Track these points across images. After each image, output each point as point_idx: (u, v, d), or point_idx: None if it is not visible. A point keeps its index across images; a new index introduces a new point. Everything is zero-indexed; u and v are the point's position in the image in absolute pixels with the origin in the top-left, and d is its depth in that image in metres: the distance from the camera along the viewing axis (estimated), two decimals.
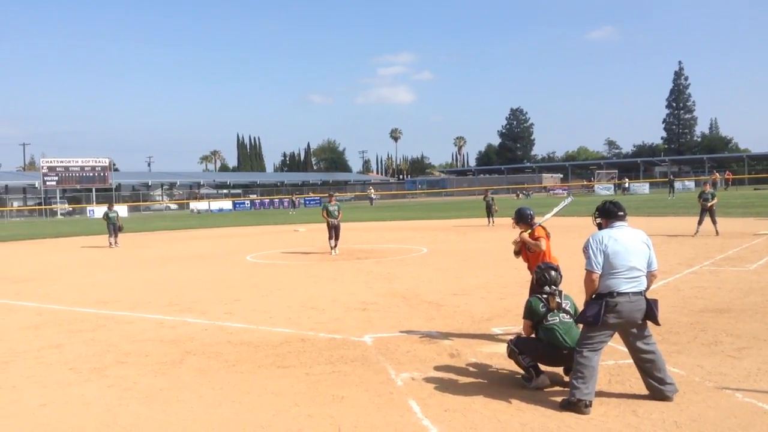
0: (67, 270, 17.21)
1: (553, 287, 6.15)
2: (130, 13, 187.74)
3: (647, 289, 5.44)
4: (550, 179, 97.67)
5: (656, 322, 5.41)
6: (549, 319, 5.98)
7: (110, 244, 24.24)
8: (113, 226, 24.48)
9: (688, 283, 11.14)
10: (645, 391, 5.49)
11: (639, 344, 5.41)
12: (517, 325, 8.22)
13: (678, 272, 12.34)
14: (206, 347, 7.81)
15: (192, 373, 6.73)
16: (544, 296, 6.10)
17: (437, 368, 6.53)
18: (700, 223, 19.45)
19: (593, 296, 5.39)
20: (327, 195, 22.42)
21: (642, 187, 72.19)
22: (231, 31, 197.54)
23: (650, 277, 5.50)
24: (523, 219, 7.80)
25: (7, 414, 5.66)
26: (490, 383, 6.01)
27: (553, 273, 6.22)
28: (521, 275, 12.66)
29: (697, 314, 8.70)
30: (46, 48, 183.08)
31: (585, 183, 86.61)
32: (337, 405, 5.56)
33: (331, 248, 18.33)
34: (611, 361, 6.19)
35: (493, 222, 27.44)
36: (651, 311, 5.34)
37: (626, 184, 71.60)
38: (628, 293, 5.26)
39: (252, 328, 8.81)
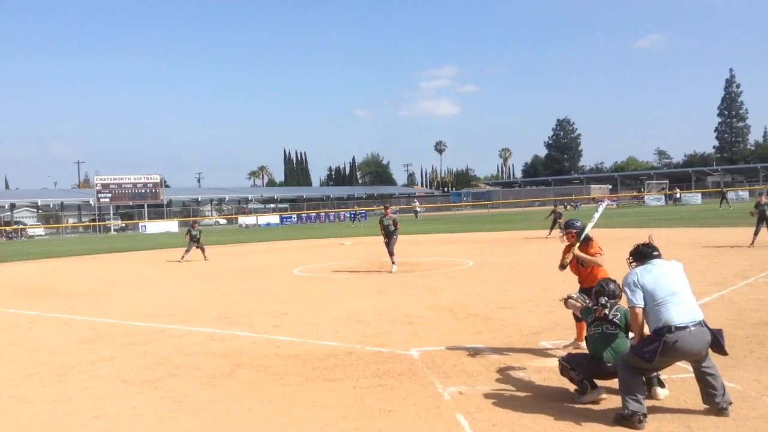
0: (120, 285, 17.62)
1: (607, 299, 5.95)
2: (180, 32, 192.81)
3: None
4: (598, 190, 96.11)
5: (723, 353, 5.23)
6: (592, 329, 5.91)
7: (184, 256, 24.27)
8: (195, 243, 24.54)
9: (744, 296, 10.81)
10: (700, 407, 5.33)
11: (698, 367, 5.27)
12: (566, 339, 8.10)
13: (733, 284, 11.98)
14: (255, 360, 7.89)
15: (241, 385, 6.80)
16: (595, 306, 6.01)
17: (485, 382, 6.47)
18: (756, 233, 18.87)
19: (653, 331, 5.14)
20: (382, 207, 20.86)
21: (694, 198, 70.46)
22: (277, 48, 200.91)
23: None
24: (572, 229, 7.82)
25: (63, 426, 5.81)
26: (540, 398, 5.92)
27: (611, 285, 6.06)
28: (570, 288, 12.43)
29: (753, 327, 8.43)
30: (99, 67, 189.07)
31: (635, 194, 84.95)
32: (384, 419, 5.55)
33: (393, 263, 17.20)
34: (664, 375, 6.03)
35: (550, 234, 26.86)
36: (717, 342, 5.12)
37: (677, 195, 69.95)
38: (687, 326, 5.03)
39: (299, 341, 8.87)
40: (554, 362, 7.04)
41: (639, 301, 5.21)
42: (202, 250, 24.50)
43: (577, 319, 7.30)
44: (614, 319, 5.85)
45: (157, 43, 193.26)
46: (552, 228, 27.16)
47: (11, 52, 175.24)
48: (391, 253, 17.34)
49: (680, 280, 5.24)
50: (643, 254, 5.50)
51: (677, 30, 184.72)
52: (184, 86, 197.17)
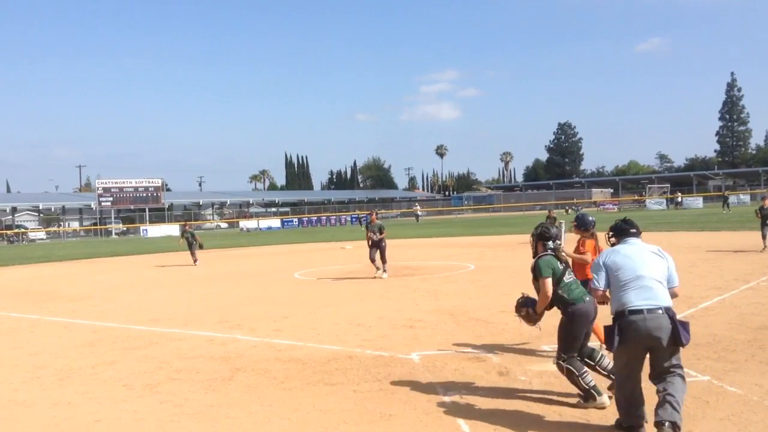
0: (121, 288, 17.63)
1: (558, 242, 6.06)
2: (182, 37, 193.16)
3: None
4: (600, 194, 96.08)
5: (680, 343, 4.72)
6: (566, 277, 5.89)
7: (194, 261, 23.91)
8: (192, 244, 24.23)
9: (745, 299, 10.79)
10: (702, 411, 5.32)
11: (659, 368, 4.84)
12: None
13: (734, 288, 11.96)
14: (255, 364, 7.88)
15: (241, 389, 6.80)
16: (551, 252, 5.99)
17: (486, 387, 6.46)
18: (765, 237, 18.77)
19: (613, 317, 4.94)
20: (369, 212, 19.49)
21: (695, 202, 70.37)
22: (279, 52, 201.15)
23: (671, 294, 4.98)
24: (584, 225, 7.91)
25: (64, 430, 5.80)
26: (541, 402, 5.90)
27: (553, 229, 6.12)
28: None
29: (754, 331, 8.41)
30: (101, 72, 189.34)
31: (636, 198, 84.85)
32: (385, 423, 5.54)
33: (377, 269, 16.89)
34: None
35: None
36: (675, 330, 4.70)
37: (679, 198, 69.88)
38: (642, 310, 4.73)
39: (300, 345, 8.86)
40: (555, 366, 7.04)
41: (599, 283, 5.07)
42: (195, 253, 24.13)
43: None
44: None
45: (159, 48, 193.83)
46: None
47: (13, 56, 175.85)
48: (382, 260, 16.85)
49: (650, 264, 4.94)
50: (620, 230, 5.31)
51: (679, 34, 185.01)
52: (185, 90, 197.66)
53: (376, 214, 18.84)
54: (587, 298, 5.74)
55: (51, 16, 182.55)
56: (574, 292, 5.81)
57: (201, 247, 24.48)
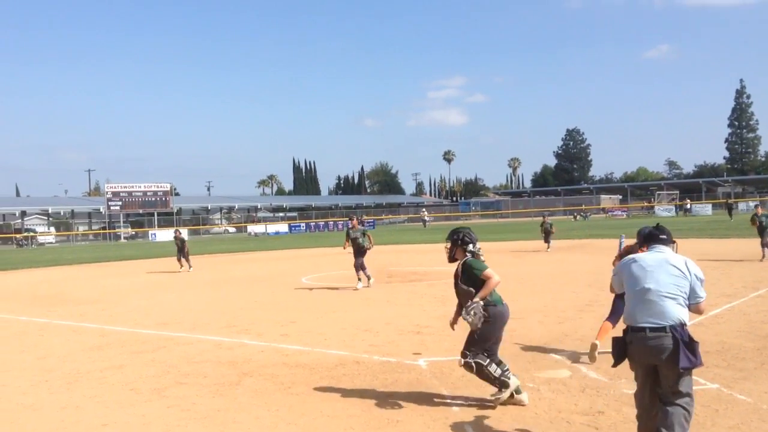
0: (130, 292, 17.67)
1: (478, 247, 6.26)
2: (190, 42, 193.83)
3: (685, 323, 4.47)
4: (608, 200, 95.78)
5: (675, 362, 4.34)
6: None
7: (188, 267, 23.71)
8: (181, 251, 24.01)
9: (755, 307, 10.72)
10: (711, 419, 5.28)
11: (664, 389, 4.47)
12: (575, 349, 8.06)
13: (743, 296, 11.90)
14: (262, 369, 7.88)
15: (249, 394, 6.80)
16: (471, 255, 6.19)
17: (493, 393, 6.42)
18: (765, 245, 18.66)
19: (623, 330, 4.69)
20: (349, 218, 17.51)
21: (704, 209, 70.10)
22: (286, 58, 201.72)
23: (694, 310, 4.61)
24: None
25: None
26: (549, 409, 5.88)
27: (474, 235, 6.33)
28: (579, 299, 12.44)
29: (764, 339, 8.35)
30: (109, 77, 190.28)
31: (645, 204, 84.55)
32: (392, 429, 5.53)
33: (359, 279, 15.77)
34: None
35: (549, 247, 26.23)
36: (675, 351, 4.33)
37: (688, 206, 69.61)
38: (644, 328, 4.43)
39: (307, 350, 8.86)
40: (564, 373, 7.02)
41: (615, 287, 4.99)
42: (181, 259, 23.77)
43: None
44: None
45: (167, 53, 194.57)
46: (547, 240, 26.40)
47: (23, 61, 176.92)
48: (362, 267, 15.75)
49: (664, 278, 4.53)
50: (649, 236, 5.00)
51: (687, 40, 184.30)
52: (194, 95, 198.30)
53: (358, 219, 17.78)
54: (504, 302, 6.08)
55: (61, 21, 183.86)
56: (494, 293, 6.05)
57: (185, 254, 23.79)
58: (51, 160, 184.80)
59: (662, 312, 4.44)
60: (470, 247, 6.22)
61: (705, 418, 5.36)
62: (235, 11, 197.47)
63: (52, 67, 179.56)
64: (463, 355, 6.03)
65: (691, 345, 4.38)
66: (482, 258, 6.29)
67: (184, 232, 27.25)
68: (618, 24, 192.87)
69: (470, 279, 6.08)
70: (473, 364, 5.92)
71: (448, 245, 6.41)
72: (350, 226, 16.57)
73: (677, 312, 4.45)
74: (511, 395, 5.96)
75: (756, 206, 20.83)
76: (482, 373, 5.95)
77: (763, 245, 18.58)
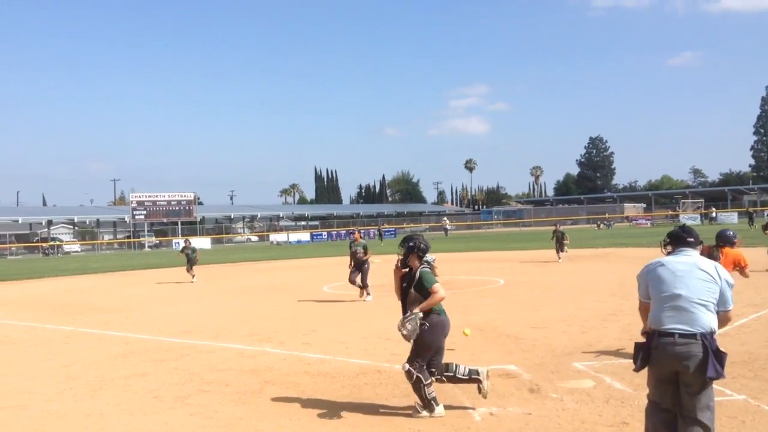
0: (154, 301, 17.83)
1: (432, 257, 6.43)
2: (213, 53, 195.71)
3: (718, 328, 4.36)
4: (632, 209, 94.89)
5: (704, 374, 4.21)
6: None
7: (191, 278, 23.41)
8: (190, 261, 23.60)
9: None
10: (737, 430, 5.19)
11: (686, 402, 4.32)
12: (600, 360, 7.97)
13: None
14: (284, 377, 7.90)
15: (271, 402, 6.81)
16: (428, 266, 6.31)
17: (516, 403, 6.38)
18: None
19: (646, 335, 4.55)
20: (352, 231, 17.90)
21: (730, 217, 69.13)
22: (307, 68, 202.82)
23: (722, 318, 4.44)
24: (726, 241, 8.51)
25: None
26: (573, 420, 5.82)
27: (428, 242, 6.42)
28: (603, 308, 12.32)
29: None
30: (134, 89, 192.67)
31: (670, 213, 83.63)
32: None
33: (367, 293, 15.53)
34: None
35: (560, 257, 25.39)
36: (705, 361, 4.20)
37: (713, 214, 68.72)
38: (673, 333, 4.29)
39: (329, 359, 8.86)
40: (589, 384, 6.95)
41: (642, 295, 4.69)
42: (191, 270, 23.29)
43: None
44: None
45: (191, 65, 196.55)
46: (559, 250, 25.52)
47: (50, 73, 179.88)
48: (364, 285, 15.61)
49: (694, 283, 4.38)
50: (677, 238, 4.73)
51: (711, 47, 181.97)
52: (217, 106, 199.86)
53: (360, 232, 17.51)
54: (446, 314, 6.24)
55: (87, 33, 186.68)
56: (438, 305, 6.14)
57: (194, 262, 23.44)
58: (77, 170, 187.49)
59: (693, 319, 4.29)
60: (427, 257, 6.37)
61: (731, 429, 5.28)
62: (257, 23, 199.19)
63: (79, 80, 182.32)
64: (410, 362, 6.14)
65: (719, 355, 4.24)
66: (436, 270, 6.52)
67: (206, 241, 27.30)
68: (641, 31, 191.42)
69: (419, 289, 6.18)
70: (415, 376, 6.04)
71: (402, 252, 6.49)
72: (352, 239, 16.62)
73: (708, 319, 4.32)
74: (432, 409, 6.10)
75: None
76: (417, 388, 6.09)
77: None
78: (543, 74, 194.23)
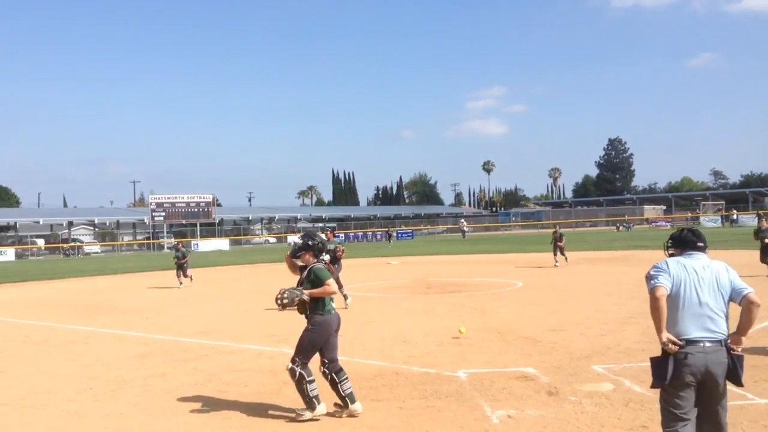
0: (172, 301, 17.96)
1: (327, 257, 6.63)
2: (232, 59, 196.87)
3: (749, 322, 4.18)
4: (652, 211, 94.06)
5: (739, 383, 4.15)
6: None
7: (179, 283, 22.25)
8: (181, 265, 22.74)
9: None
10: None
11: (709, 408, 4.21)
12: (619, 363, 7.91)
13: None
14: None
15: (289, 403, 6.82)
16: (323, 263, 6.49)
17: (534, 406, 6.34)
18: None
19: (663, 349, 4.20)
20: (325, 232, 16.02)
21: (751, 219, 68.37)
22: (326, 71, 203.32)
23: (747, 304, 4.17)
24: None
25: None
26: (591, 423, 5.77)
27: (330, 245, 6.53)
28: (622, 311, 12.22)
29: None
30: (154, 93, 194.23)
31: (690, 215, 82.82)
32: None
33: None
34: None
35: (557, 262, 24.20)
36: (735, 369, 4.11)
37: (734, 216, 67.97)
38: (701, 341, 4.10)
39: (346, 360, 8.82)
40: (607, 387, 6.89)
41: (662, 281, 4.20)
42: (183, 273, 22.48)
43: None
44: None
45: (210, 69, 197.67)
46: (555, 253, 24.52)
47: (72, 77, 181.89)
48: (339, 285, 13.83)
49: (716, 292, 4.21)
50: (684, 241, 4.44)
51: (731, 49, 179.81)
52: (236, 109, 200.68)
53: (333, 232, 16.88)
54: (333, 311, 6.43)
55: (107, 39, 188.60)
56: (327, 303, 6.35)
57: (183, 266, 22.62)
58: (97, 172, 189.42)
59: (716, 326, 4.16)
60: (322, 255, 6.56)
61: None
62: (275, 27, 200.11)
63: (99, 84, 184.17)
64: (292, 361, 6.25)
65: (741, 360, 4.16)
66: (330, 267, 6.78)
67: (225, 243, 27.24)
68: (660, 32, 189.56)
69: (312, 284, 6.31)
70: (297, 373, 6.16)
71: (298, 245, 6.65)
72: (325, 239, 15.62)
73: (726, 325, 4.21)
74: (347, 406, 6.25)
75: (760, 219, 18.76)
76: (299, 386, 6.22)
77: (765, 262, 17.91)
78: (561, 76, 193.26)
